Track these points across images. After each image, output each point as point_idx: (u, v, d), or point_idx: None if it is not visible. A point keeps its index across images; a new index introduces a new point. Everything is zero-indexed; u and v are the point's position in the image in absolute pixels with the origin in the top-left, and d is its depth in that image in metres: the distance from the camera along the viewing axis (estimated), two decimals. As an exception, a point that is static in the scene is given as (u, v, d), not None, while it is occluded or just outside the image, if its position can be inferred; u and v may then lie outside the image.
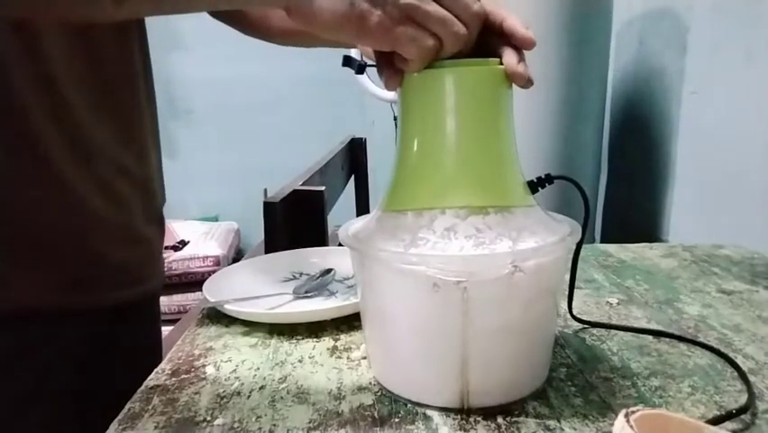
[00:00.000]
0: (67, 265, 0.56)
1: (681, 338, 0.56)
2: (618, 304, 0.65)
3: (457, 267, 0.41)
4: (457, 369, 0.43)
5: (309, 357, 0.54)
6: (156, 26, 0.72)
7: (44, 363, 0.55)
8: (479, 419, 0.43)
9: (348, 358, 0.54)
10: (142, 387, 0.50)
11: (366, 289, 0.48)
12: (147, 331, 0.72)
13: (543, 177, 0.48)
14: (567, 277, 0.50)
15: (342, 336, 0.58)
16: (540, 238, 0.44)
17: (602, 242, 1.59)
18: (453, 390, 0.44)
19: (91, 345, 0.60)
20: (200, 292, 0.66)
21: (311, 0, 0.42)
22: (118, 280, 0.61)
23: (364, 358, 0.53)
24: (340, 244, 0.53)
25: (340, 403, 0.46)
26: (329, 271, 0.72)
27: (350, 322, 0.60)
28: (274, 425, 0.43)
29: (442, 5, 0.42)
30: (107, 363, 0.62)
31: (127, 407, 0.46)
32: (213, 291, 0.64)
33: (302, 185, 1.02)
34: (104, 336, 0.62)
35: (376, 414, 0.44)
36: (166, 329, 2.19)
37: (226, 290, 0.66)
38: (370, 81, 1.90)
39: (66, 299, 0.56)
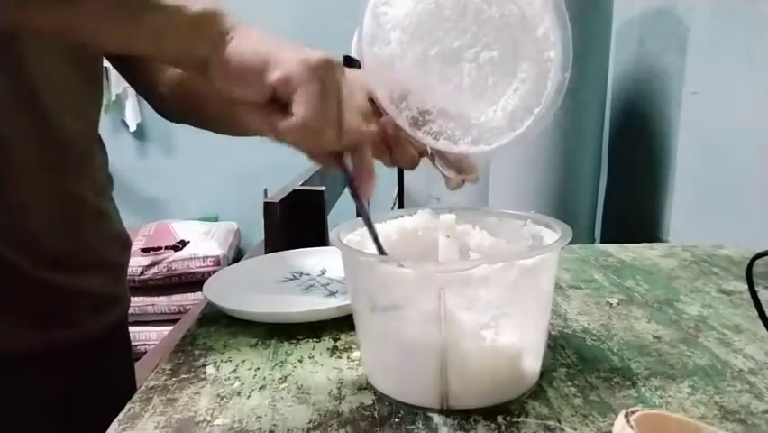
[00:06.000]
0: (23, 301, 0.54)
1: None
2: (618, 304, 0.65)
3: (436, 269, 0.43)
4: (437, 371, 0.44)
5: (309, 357, 0.54)
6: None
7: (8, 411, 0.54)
8: (479, 418, 0.43)
9: (348, 358, 0.54)
10: (142, 387, 0.50)
11: (354, 290, 0.49)
12: (118, 366, 0.70)
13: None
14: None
15: (342, 336, 0.58)
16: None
17: (602, 242, 1.59)
18: (432, 391, 0.44)
19: (64, 386, 0.59)
20: (200, 292, 0.66)
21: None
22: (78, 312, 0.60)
23: (364, 358, 0.53)
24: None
25: (340, 403, 0.46)
26: (329, 270, 0.72)
27: (350, 322, 0.60)
28: (274, 425, 0.43)
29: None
30: (79, 403, 0.61)
31: (127, 407, 0.46)
32: (213, 291, 0.64)
33: (302, 185, 1.02)
34: (70, 378, 0.60)
35: (376, 414, 0.44)
36: (166, 329, 2.18)
37: (226, 289, 0.66)
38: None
39: (25, 338, 0.55)
